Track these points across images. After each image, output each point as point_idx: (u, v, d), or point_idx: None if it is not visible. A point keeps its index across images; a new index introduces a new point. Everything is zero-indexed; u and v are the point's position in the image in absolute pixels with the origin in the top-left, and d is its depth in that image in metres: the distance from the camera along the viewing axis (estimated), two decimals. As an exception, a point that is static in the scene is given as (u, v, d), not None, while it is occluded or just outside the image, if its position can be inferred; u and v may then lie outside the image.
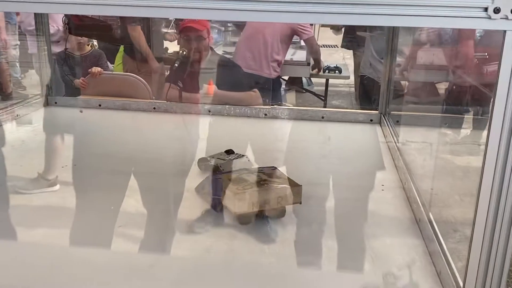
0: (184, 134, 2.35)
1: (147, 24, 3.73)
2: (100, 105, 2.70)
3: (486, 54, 3.40)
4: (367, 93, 4.38)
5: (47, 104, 2.72)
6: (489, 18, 0.82)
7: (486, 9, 0.82)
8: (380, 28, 3.63)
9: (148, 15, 1.23)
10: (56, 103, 2.74)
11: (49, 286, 1.15)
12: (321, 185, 1.77)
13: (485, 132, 0.89)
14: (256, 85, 3.63)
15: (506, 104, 0.85)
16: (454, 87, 3.06)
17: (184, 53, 3.03)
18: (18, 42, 6.03)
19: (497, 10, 0.81)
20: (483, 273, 0.94)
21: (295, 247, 1.41)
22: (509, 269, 0.94)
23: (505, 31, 0.83)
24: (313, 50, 4.81)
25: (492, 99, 0.85)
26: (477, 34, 3.37)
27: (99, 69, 3.42)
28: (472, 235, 0.94)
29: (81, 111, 2.59)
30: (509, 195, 0.89)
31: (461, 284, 1.02)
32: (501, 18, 0.82)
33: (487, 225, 0.91)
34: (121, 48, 4.05)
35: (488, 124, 0.87)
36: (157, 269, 1.25)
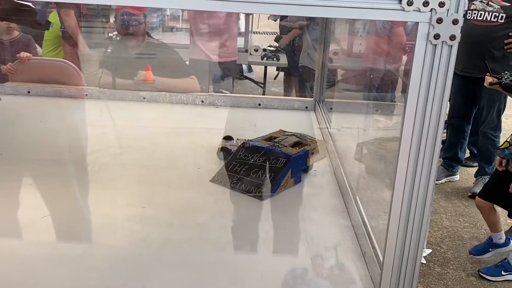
0: (115, 122, 2.30)
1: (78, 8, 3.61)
2: (29, 92, 2.59)
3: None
4: (304, 83, 4.47)
5: (-29, 91, 2.59)
6: (403, 10, 0.86)
7: (400, 1, 0.86)
8: (315, 18, 3.70)
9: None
10: (-19, 90, 2.61)
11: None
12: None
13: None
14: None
15: (419, 91, 0.89)
16: (384, 75, 3.17)
17: (118, 38, 2.95)
18: None
19: (410, 3, 0.86)
20: (400, 249, 1.00)
21: (231, 232, 1.43)
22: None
23: (417, 23, 0.87)
24: None
25: (406, 87, 0.90)
26: (409, 23, 3.49)
27: (28, 54, 3.29)
28: (389, 215, 0.99)
29: None
30: (423, 177, 0.95)
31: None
32: (414, 10, 0.86)
33: (402, 205, 0.96)
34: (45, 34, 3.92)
35: (403, 110, 0.92)
36: (88, 259, 1.23)
